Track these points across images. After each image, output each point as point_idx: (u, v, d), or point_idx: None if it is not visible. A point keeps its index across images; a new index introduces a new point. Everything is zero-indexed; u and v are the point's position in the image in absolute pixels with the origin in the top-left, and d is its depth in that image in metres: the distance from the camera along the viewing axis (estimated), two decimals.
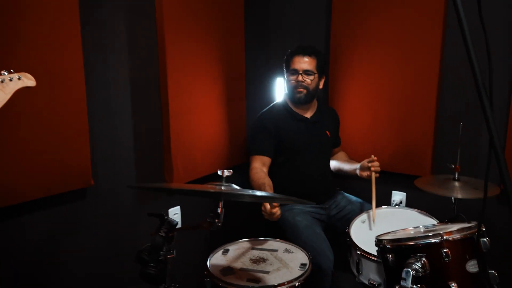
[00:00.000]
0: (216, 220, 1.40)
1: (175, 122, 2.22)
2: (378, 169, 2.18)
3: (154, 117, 2.20)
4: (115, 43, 1.99)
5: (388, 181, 2.63)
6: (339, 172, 2.49)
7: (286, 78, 2.36)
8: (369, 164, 2.18)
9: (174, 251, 1.53)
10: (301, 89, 2.27)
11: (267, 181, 2.12)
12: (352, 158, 2.57)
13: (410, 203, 2.59)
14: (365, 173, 2.21)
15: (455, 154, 2.06)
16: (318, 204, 2.32)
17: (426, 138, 2.44)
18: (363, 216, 2.06)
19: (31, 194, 1.70)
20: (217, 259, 1.82)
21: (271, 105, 2.45)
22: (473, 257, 1.35)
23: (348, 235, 1.92)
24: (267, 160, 2.28)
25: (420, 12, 2.37)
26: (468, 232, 1.39)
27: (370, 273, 1.77)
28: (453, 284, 1.33)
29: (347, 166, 2.41)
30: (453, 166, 2.03)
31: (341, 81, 2.70)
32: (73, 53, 1.77)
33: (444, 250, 1.35)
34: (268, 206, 1.87)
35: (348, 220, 2.07)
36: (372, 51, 2.55)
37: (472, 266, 1.35)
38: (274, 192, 2.19)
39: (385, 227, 1.89)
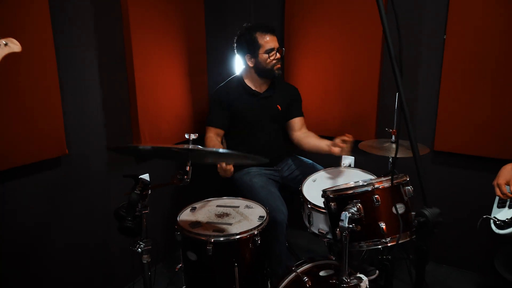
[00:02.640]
0: (185, 176, 1.61)
1: (141, 93, 2.39)
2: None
3: (121, 89, 2.36)
4: (82, 19, 2.13)
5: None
6: (316, 152, 2.54)
7: (258, 56, 2.42)
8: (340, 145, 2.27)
9: (148, 208, 1.74)
10: (280, 65, 2.47)
11: (221, 147, 2.36)
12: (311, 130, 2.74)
13: (358, 165, 2.90)
14: (337, 149, 2.29)
15: (393, 120, 2.36)
16: (272, 166, 2.59)
17: (370, 107, 2.74)
18: (314, 175, 2.33)
19: (8, 163, 1.84)
20: (186, 215, 2.04)
21: (228, 79, 2.62)
22: (398, 202, 1.65)
23: (300, 192, 2.19)
24: (220, 131, 2.52)
25: None
26: (395, 181, 1.67)
27: (320, 224, 2.04)
28: (382, 224, 1.63)
29: (322, 144, 2.45)
30: (390, 130, 2.33)
31: (296, 58, 2.94)
32: (43, 30, 1.89)
33: (375, 196, 1.63)
34: (223, 163, 2.10)
35: (300, 180, 2.33)
36: (323, 30, 2.80)
37: (396, 209, 1.64)
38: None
39: (332, 183, 2.18)
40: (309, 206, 2.07)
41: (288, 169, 2.61)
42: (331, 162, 2.91)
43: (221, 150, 1.74)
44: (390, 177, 1.68)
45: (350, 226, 1.56)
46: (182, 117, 2.74)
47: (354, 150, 2.87)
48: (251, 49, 2.44)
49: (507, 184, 2.04)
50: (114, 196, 2.36)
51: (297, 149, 2.69)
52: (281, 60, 2.53)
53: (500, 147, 2.38)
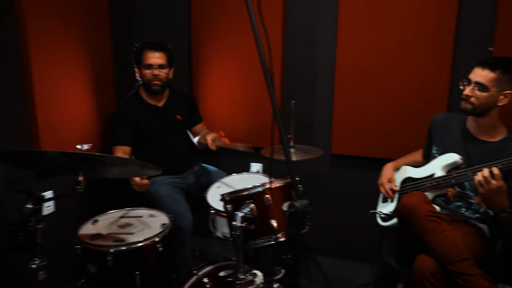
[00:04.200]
0: (78, 186, 1.61)
1: (42, 109, 2.32)
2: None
3: (19, 104, 2.27)
4: None
5: (247, 154, 3.05)
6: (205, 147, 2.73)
7: (140, 71, 2.56)
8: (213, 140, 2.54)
9: (44, 223, 1.70)
10: (157, 82, 2.54)
11: None
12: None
13: (267, 171, 3.05)
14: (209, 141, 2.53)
15: (294, 126, 2.53)
16: (177, 174, 2.65)
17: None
18: (219, 182, 2.42)
19: None
20: (87, 228, 2.02)
21: (127, 97, 2.66)
22: (287, 200, 1.78)
23: (205, 199, 2.26)
24: (127, 149, 2.55)
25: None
26: (284, 181, 1.81)
27: (223, 228, 2.11)
28: (273, 221, 1.75)
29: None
30: (288, 136, 2.50)
31: (202, 72, 3.03)
32: None
33: (266, 196, 1.75)
34: (137, 178, 2.15)
35: (205, 187, 2.41)
36: (228, 43, 2.92)
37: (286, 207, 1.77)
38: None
39: (233, 188, 2.27)
40: (213, 211, 2.14)
41: (194, 176, 2.68)
42: (238, 169, 3.03)
43: (115, 157, 1.76)
44: (281, 179, 1.82)
45: (243, 225, 1.66)
46: (89, 132, 2.69)
47: (261, 157, 3.03)
48: (137, 64, 2.56)
49: (389, 181, 2.28)
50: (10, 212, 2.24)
51: (204, 157, 2.77)
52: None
53: (383, 148, 2.65)
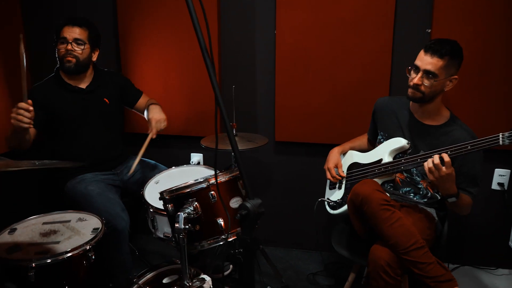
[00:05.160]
0: None
1: None
2: (154, 136, 2.31)
3: None
4: None
5: (186, 144, 2.86)
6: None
7: (57, 48, 2.25)
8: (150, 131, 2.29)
9: None
10: (70, 58, 2.21)
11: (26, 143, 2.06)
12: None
13: (207, 162, 2.88)
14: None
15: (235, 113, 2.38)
16: (109, 170, 2.38)
17: (212, 103, 2.71)
18: (157, 177, 2.22)
19: None
20: (2, 239, 1.74)
21: (47, 78, 2.34)
22: (234, 195, 1.63)
23: (142, 196, 2.05)
24: (32, 131, 2.13)
25: None
26: (230, 175, 1.66)
27: (164, 227, 1.93)
28: (220, 220, 1.59)
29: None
30: (230, 124, 2.34)
31: (132, 55, 2.75)
32: None
33: (211, 193, 1.59)
34: (22, 103, 1.81)
35: (142, 183, 2.19)
36: (158, 25, 2.66)
37: (234, 203, 1.62)
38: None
39: (175, 184, 2.08)
40: (151, 210, 1.95)
41: (129, 171, 2.43)
42: (177, 161, 2.83)
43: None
44: (225, 172, 1.66)
45: (187, 227, 1.49)
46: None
47: (203, 148, 2.85)
48: (55, 40, 2.25)
49: (335, 167, 2.21)
50: None
51: (136, 149, 2.54)
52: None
53: (328, 133, 2.58)
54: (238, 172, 1.68)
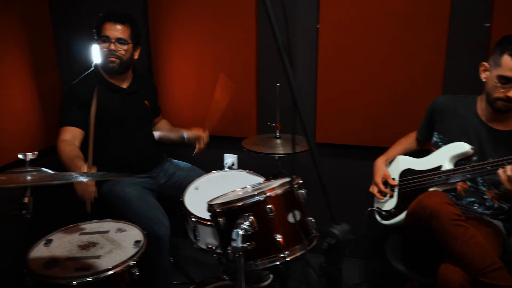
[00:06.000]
0: (24, 211, 1.21)
1: None
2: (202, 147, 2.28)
3: None
4: None
5: (219, 145, 2.71)
6: (164, 141, 2.48)
7: (98, 45, 2.17)
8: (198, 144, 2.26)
9: None
10: (114, 59, 2.12)
11: (80, 154, 1.96)
12: (176, 125, 2.56)
13: (241, 164, 2.72)
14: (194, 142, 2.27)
15: (276, 114, 2.21)
16: (145, 173, 2.27)
17: (249, 101, 2.56)
18: (196, 182, 2.07)
19: None
20: (38, 252, 1.61)
21: (83, 75, 2.23)
22: (293, 209, 1.47)
23: (182, 203, 1.91)
24: (78, 132, 2.08)
25: None
26: (287, 186, 1.50)
27: (207, 238, 1.79)
28: (278, 236, 1.44)
29: (173, 135, 2.43)
30: (274, 125, 2.18)
31: (163, 51, 2.62)
32: None
33: (268, 206, 1.43)
34: (84, 181, 1.75)
35: (179, 187, 2.06)
36: (192, 20, 2.52)
37: (293, 217, 1.47)
38: (95, 165, 2.07)
39: (217, 191, 1.93)
40: (194, 219, 1.80)
41: (165, 175, 2.30)
42: (210, 162, 2.67)
43: (79, 177, 1.35)
44: (283, 182, 1.51)
45: (244, 245, 1.34)
46: (29, 126, 2.22)
47: (237, 148, 2.69)
48: (97, 38, 2.16)
49: (384, 178, 2.04)
50: None
51: (174, 153, 2.41)
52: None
53: (375, 134, 2.41)
54: (295, 182, 1.52)
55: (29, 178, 1.13)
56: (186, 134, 2.32)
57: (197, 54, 2.56)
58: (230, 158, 2.73)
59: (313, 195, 2.04)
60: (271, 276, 2.30)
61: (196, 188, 2.04)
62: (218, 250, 1.74)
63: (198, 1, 2.49)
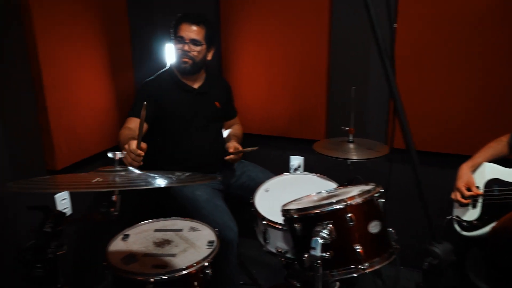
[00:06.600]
0: (112, 209, 1.24)
1: (52, 97, 1.93)
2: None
3: (23, 93, 1.87)
4: None
5: (286, 146, 2.68)
6: None
7: (173, 45, 2.21)
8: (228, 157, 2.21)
9: (65, 246, 1.35)
10: (187, 59, 2.15)
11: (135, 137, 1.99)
12: (245, 126, 2.57)
13: (308, 167, 2.67)
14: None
15: (347, 117, 2.13)
16: (214, 173, 2.28)
17: (319, 103, 2.50)
18: (266, 184, 2.05)
19: None
20: (116, 246, 1.66)
21: (159, 72, 2.30)
22: (373, 219, 1.41)
23: (253, 205, 1.89)
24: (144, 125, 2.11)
25: None
26: (368, 195, 1.43)
27: (277, 242, 1.76)
28: (358, 247, 1.38)
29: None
30: (347, 128, 2.10)
31: (234, 51, 2.62)
32: None
33: (349, 215, 1.38)
34: (133, 145, 1.71)
35: (247, 187, 2.06)
36: (263, 19, 2.50)
37: (373, 227, 1.40)
38: (162, 165, 2.19)
39: (288, 194, 1.89)
40: (264, 222, 1.78)
41: (233, 175, 2.30)
42: (276, 163, 2.64)
43: (171, 177, 1.34)
44: (361, 189, 1.44)
45: (323, 254, 1.30)
46: (106, 122, 2.30)
47: (304, 150, 2.64)
48: (173, 38, 2.20)
49: (467, 186, 1.90)
50: (23, 230, 1.86)
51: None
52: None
53: (458, 142, 2.26)
54: (377, 190, 1.45)
55: (117, 179, 1.15)
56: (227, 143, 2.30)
57: (267, 54, 2.54)
58: (296, 160, 2.69)
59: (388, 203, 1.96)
60: (338, 283, 2.24)
61: (267, 190, 2.01)
62: (288, 255, 1.71)
63: (269, 1, 2.46)
